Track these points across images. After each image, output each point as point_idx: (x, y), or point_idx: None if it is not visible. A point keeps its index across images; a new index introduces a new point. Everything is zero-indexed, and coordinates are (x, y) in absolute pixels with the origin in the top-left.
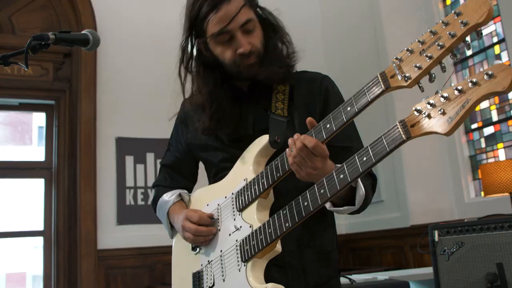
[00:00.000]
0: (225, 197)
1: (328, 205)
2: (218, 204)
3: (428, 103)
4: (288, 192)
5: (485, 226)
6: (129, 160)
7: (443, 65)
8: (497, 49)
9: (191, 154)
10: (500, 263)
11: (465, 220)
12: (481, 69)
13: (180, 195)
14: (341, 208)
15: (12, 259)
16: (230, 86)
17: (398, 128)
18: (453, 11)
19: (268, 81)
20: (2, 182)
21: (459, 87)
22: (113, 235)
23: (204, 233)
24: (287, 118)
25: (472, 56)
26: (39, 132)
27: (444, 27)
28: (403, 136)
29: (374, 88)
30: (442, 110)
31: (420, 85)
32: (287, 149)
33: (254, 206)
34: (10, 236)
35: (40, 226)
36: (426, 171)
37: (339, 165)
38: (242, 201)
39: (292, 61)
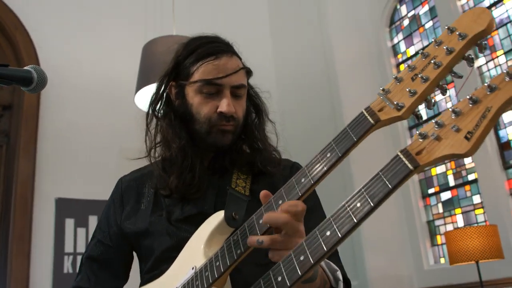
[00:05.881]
0: None
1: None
2: None
3: (436, 122)
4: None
5: None
6: (69, 223)
7: (444, 87)
8: None
9: (126, 240)
10: None
11: None
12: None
13: None
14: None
15: None
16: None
17: (400, 158)
18: (446, 27)
19: (264, 165)
20: None
21: (474, 97)
22: None
23: None
24: (249, 197)
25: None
26: None
27: (437, 46)
28: (410, 166)
29: (359, 126)
30: (456, 127)
31: (418, 112)
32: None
33: None
34: None
35: None
36: (384, 237)
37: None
38: None
39: (275, 148)
